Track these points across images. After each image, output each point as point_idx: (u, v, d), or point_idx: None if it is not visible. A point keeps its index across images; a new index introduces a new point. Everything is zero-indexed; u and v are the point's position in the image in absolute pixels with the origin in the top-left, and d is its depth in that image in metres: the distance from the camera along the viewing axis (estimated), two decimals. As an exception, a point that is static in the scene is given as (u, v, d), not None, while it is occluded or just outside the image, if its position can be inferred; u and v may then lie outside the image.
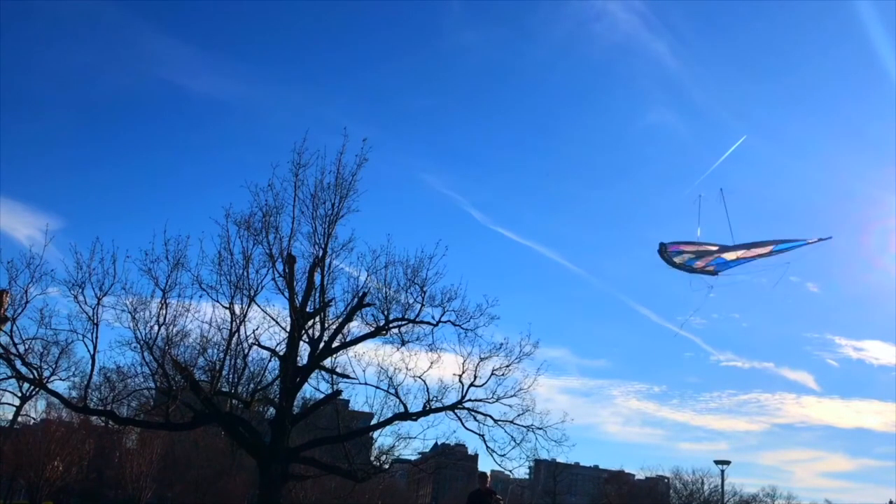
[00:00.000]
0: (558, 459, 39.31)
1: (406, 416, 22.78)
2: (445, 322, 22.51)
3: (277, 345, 21.80)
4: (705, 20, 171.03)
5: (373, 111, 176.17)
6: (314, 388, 23.96)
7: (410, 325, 22.68)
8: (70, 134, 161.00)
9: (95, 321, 19.18)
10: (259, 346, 21.40)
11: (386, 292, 22.40)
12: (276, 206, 21.48)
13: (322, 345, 22.34)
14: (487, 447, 23.13)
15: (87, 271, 19.03)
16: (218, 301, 20.59)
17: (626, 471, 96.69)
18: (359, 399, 25.01)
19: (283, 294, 21.68)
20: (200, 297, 20.52)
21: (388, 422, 23.02)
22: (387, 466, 27.09)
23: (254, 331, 21.01)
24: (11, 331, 18.80)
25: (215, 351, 21.05)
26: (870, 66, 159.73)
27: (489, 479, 15.00)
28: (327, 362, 22.57)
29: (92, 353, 19.39)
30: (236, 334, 20.51)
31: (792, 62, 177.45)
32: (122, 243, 19.60)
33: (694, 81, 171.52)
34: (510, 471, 25.06)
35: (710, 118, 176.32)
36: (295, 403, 23.28)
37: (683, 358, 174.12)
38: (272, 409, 22.76)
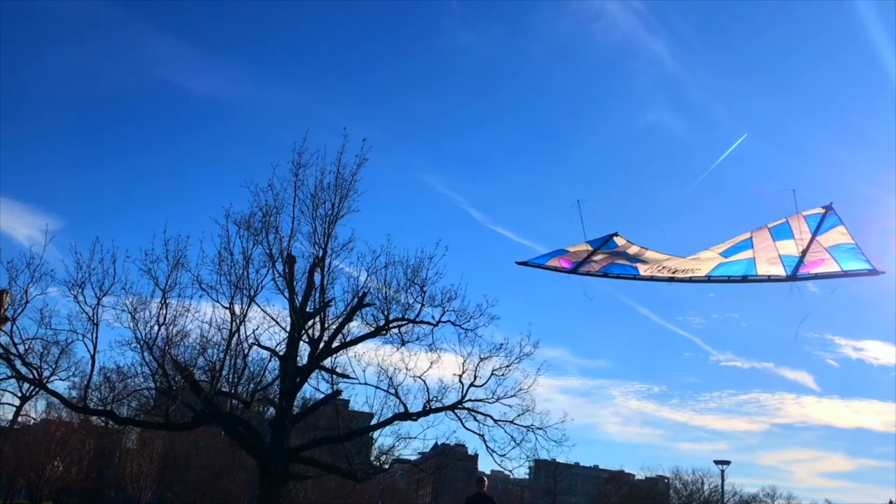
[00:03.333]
0: (558, 459, 39.32)
1: (406, 416, 22.80)
2: (445, 322, 22.63)
3: (277, 345, 21.86)
4: (704, 20, 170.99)
5: (373, 111, 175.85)
6: (314, 388, 24.04)
7: (410, 325, 22.77)
8: (70, 134, 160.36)
9: (95, 321, 19.25)
10: (259, 346, 21.44)
11: (386, 292, 22.48)
12: (276, 206, 21.61)
13: (322, 345, 22.34)
14: (487, 447, 23.25)
15: (87, 271, 19.14)
16: (218, 301, 20.68)
17: (626, 471, 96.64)
18: (359, 399, 25.14)
19: (283, 294, 21.76)
20: (200, 297, 20.61)
21: (388, 422, 23.04)
22: (387, 466, 27.13)
23: (254, 331, 21.07)
24: (11, 331, 18.87)
25: (215, 351, 21.07)
26: (870, 66, 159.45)
27: (486, 483, 15.17)
28: (327, 362, 22.61)
29: (92, 353, 19.46)
30: (236, 334, 20.53)
31: (792, 62, 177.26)
32: (122, 243, 19.69)
33: (693, 81, 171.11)
34: (510, 471, 25.15)
35: (710, 118, 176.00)
36: (295, 403, 23.27)
37: (683, 358, 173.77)
38: (272, 409, 22.74)
